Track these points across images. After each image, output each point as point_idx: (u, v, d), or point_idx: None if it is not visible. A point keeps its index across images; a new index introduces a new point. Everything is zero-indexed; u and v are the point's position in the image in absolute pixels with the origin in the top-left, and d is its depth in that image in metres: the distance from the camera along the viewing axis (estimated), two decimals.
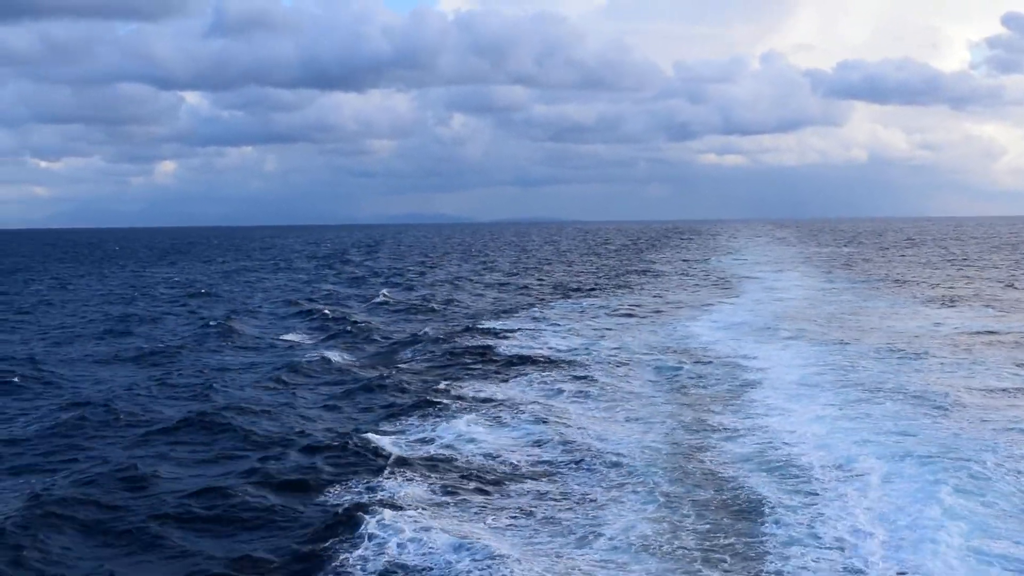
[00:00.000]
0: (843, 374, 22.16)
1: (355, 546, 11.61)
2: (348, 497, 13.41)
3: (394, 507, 12.87)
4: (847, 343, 27.05)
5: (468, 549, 11.47)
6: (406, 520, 12.33)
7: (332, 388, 22.05)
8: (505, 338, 29.69)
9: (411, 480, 14.56)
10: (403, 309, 40.31)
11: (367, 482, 14.35)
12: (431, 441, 16.59)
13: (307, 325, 35.02)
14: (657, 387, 21.78)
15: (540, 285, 53.49)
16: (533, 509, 13.24)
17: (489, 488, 14.13)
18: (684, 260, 79.27)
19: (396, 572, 10.91)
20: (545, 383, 21.88)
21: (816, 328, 30.66)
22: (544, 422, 18.03)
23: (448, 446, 16.19)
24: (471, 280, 58.31)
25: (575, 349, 27.14)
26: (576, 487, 14.19)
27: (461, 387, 21.46)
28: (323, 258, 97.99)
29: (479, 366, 24.50)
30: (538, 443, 16.52)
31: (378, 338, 30.76)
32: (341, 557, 11.35)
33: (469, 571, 10.80)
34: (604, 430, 17.53)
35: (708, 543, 11.84)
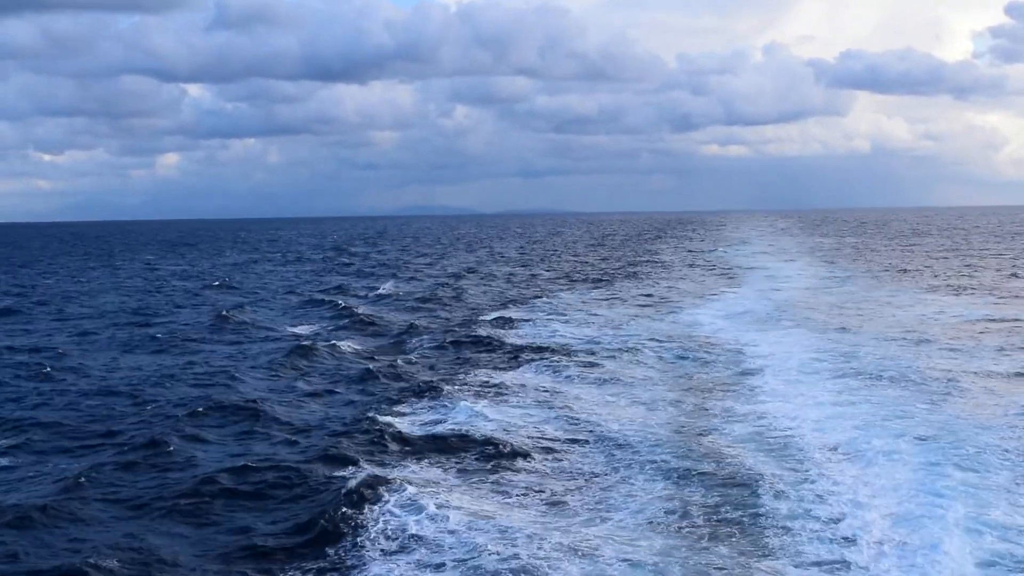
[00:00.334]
0: (844, 361, 22.59)
1: (374, 522, 12.13)
2: (364, 476, 13.93)
3: (410, 485, 13.44)
4: (849, 331, 27.51)
5: (481, 526, 12.01)
6: (422, 497, 12.91)
7: (346, 375, 22.65)
8: (514, 327, 30.32)
9: (425, 460, 15.21)
10: (413, 299, 40.94)
11: (383, 462, 14.95)
12: (443, 423, 17.17)
13: (320, 315, 35.66)
14: (662, 373, 22.34)
15: (547, 275, 54.05)
16: (542, 487, 13.78)
17: (500, 468, 14.68)
18: (689, 251, 79.82)
19: (413, 546, 11.43)
20: (553, 370, 22.44)
21: (818, 316, 31.14)
22: (552, 406, 18.63)
23: (460, 428, 16.73)
24: (479, 271, 58.91)
25: (582, 337, 27.71)
26: (584, 467, 14.74)
27: (472, 373, 22.04)
28: (330, 250, 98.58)
29: (488, 354, 25.09)
30: (546, 426, 17.06)
31: (389, 328, 31.40)
32: (360, 533, 11.87)
33: (484, 546, 11.27)
34: (610, 413, 18.09)
35: (715, 518, 12.34)
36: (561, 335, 28.28)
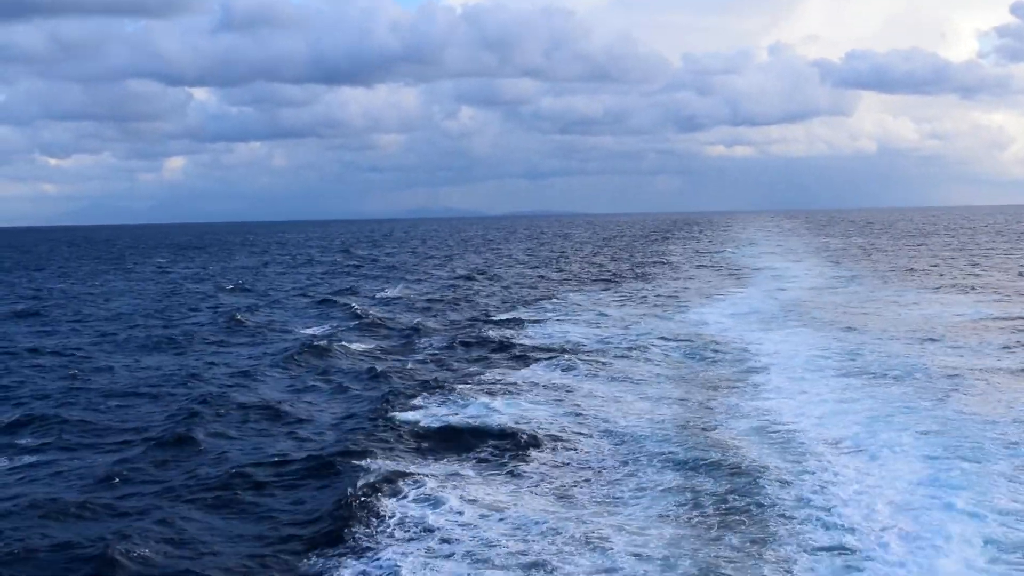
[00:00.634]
0: (850, 359, 22.89)
1: (391, 514, 12.52)
2: (380, 469, 14.41)
3: (425, 478, 13.95)
4: (854, 330, 27.81)
5: (494, 518, 12.43)
6: (437, 490, 13.39)
7: (359, 374, 23.06)
8: (524, 327, 30.77)
9: (439, 454, 15.71)
10: (423, 300, 41.43)
11: (398, 456, 15.43)
12: (456, 418, 17.59)
13: (332, 316, 36.11)
14: (670, 371, 22.73)
15: (555, 277, 54.46)
16: (554, 480, 14.20)
17: (512, 461, 15.10)
18: (696, 251, 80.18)
19: (427, 537, 11.78)
20: (563, 368, 22.87)
21: (824, 316, 31.46)
22: (562, 403, 19.08)
23: (473, 424, 17.18)
24: (487, 272, 59.39)
25: (591, 337, 28.17)
26: (594, 461, 15.16)
27: (483, 372, 22.53)
28: (339, 253, 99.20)
29: (499, 353, 25.53)
30: (557, 421, 17.46)
31: (400, 328, 31.86)
32: (377, 524, 12.24)
33: (496, 539, 11.64)
34: (619, 409, 18.54)
35: (723, 507, 12.70)
36: (571, 335, 28.73)
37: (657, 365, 23.51)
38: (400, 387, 20.83)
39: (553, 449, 15.73)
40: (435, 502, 13.01)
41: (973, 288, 39.80)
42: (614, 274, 55.28)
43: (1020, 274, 46.88)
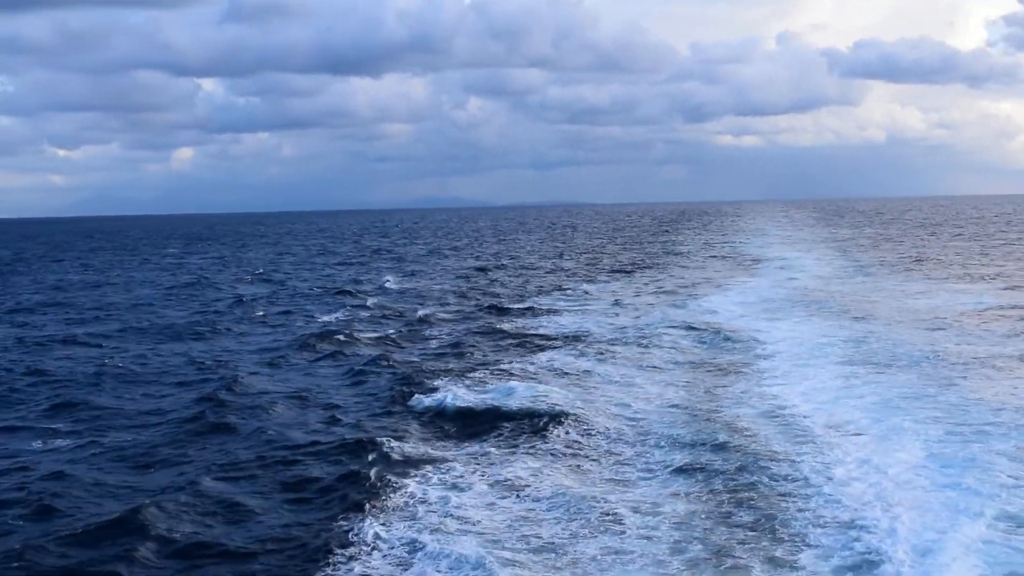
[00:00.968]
0: (856, 346, 23.30)
1: (412, 494, 13.08)
2: (400, 450, 15.10)
3: (444, 459, 14.70)
4: (862, 318, 28.21)
5: (511, 496, 13.00)
6: (455, 470, 14.10)
7: (379, 360, 23.57)
8: (538, 316, 31.46)
9: (457, 435, 16.41)
10: (438, 290, 42.11)
11: (417, 438, 16.09)
12: (474, 402, 18.23)
13: (351, 305, 36.77)
14: (680, 357, 23.27)
15: (568, 267, 55.00)
16: (568, 460, 14.73)
17: (527, 443, 15.68)
18: (705, 242, 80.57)
19: (446, 517, 12.22)
20: (576, 354, 23.48)
21: (832, 304, 31.89)
22: (576, 386, 19.71)
23: (490, 407, 17.78)
24: (501, 263, 59.92)
25: (604, 325, 28.74)
26: (607, 442, 15.69)
27: (499, 358, 23.17)
28: (351, 243, 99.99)
29: (515, 340, 26.20)
30: (570, 404, 17.91)
31: (418, 316, 32.49)
32: (399, 503, 12.77)
33: (512, 520, 12.15)
34: (632, 393, 19.17)
35: (733, 484, 13.20)
36: (584, 323, 29.31)
37: (669, 352, 24.07)
38: (418, 373, 21.44)
39: (568, 432, 16.26)
40: (454, 483, 13.58)
41: (983, 277, 40.07)
42: (625, 264, 55.82)
43: None
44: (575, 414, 17.17)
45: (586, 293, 38.65)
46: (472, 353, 24.37)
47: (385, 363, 23.17)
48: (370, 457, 14.66)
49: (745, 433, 15.84)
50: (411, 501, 12.82)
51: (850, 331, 25.92)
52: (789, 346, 24.07)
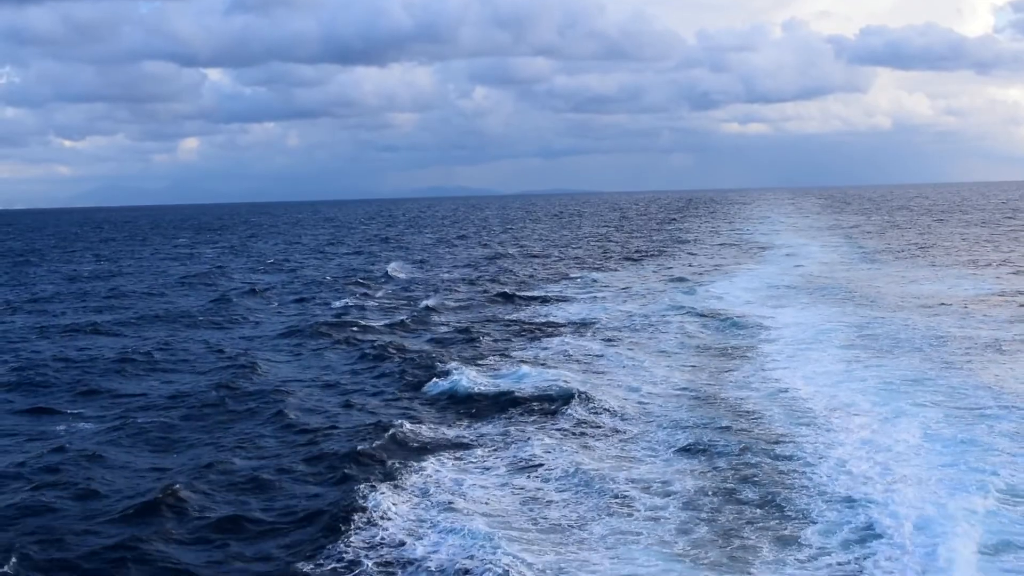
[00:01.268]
0: (859, 331, 23.74)
1: (426, 474, 13.52)
2: (411, 432, 15.67)
3: (457, 441, 15.19)
4: (865, 304, 28.60)
5: (520, 477, 13.49)
6: (467, 453, 14.60)
7: (393, 346, 24.05)
8: (548, 303, 32.00)
9: (470, 418, 16.88)
10: (450, 279, 42.64)
11: (431, 420, 16.62)
12: (486, 386, 18.75)
13: (363, 293, 37.44)
14: (685, 342, 23.75)
15: (576, 254, 55.46)
16: (578, 441, 15.21)
17: (538, 425, 16.17)
18: (712, 230, 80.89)
19: (456, 499, 12.58)
20: (586, 339, 24.02)
21: (836, 291, 32.27)
22: (586, 371, 20.23)
23: (502, 390, 18.33)
24: (510, 252, 60.32)
25: (613, 311, 29.22)
26: (617, 423, 16.20)
27: (511, 343, 23.78)
28: (360, 232, 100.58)
29: (525, 326, 26.75)
30: (581, 387, 18.28)
31: (430, 305, 32.98)
32: (412, 483, 13.19)
33: (520, 503, 12.54)
34: (636, 377, 19.68)
35: (738, 462, 13.66)
36: (594, 310, 29.82)
37: (676, 337, 24.54)
38: (431, 358, 21.92)
39: (578, 414, 16.71)
40: (467, 464, 14.08)
41: (989, 264, 40.36)
42: (632, 252, 56.26)
43: None
44: (585, 397, 17.58)
45: (594, 281, 39.13)
46: (483, 339, 24.87)
47: (398, 349, 23.68)
48: (386, 439, 15.13)
49: (750, 415, 16.30)
50: (427, 481, 13.26)
51: (854, 317, 26.32)
52: (794, 331, 24.48)
